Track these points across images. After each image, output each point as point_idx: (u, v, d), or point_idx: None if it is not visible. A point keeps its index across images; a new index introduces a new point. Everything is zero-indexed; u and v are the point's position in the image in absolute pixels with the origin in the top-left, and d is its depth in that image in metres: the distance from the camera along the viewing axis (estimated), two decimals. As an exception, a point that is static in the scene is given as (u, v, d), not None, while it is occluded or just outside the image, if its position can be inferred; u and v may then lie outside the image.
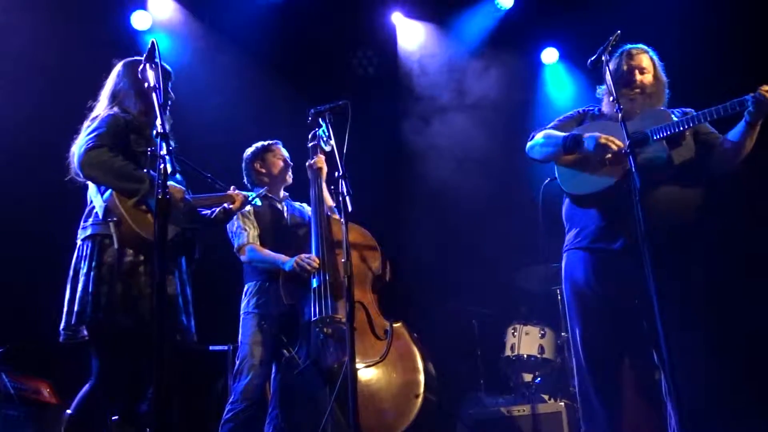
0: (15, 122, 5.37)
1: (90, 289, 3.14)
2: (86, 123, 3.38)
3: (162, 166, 2.53)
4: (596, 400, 3.38)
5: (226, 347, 5.23)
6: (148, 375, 3.09)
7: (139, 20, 6.21)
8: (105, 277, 3.16)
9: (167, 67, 3.54)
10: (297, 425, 3.87)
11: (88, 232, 3.26)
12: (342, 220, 3.45)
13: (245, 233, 4.24)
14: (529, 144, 3.67)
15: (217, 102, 5.98)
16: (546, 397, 5.30)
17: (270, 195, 4.40)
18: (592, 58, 3.31)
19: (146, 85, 2.90)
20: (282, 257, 4.14)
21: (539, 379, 5.57)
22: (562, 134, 3.51)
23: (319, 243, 4.11)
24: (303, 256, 4.05)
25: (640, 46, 3.59)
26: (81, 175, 3.26)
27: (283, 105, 6.01)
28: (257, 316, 4.16)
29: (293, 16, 6.35)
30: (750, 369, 4.79)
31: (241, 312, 4.25)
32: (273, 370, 4.16)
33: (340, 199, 3.44)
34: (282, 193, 4.53)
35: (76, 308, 3.14)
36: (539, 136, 3.63)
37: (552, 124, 3.69)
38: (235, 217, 4.05)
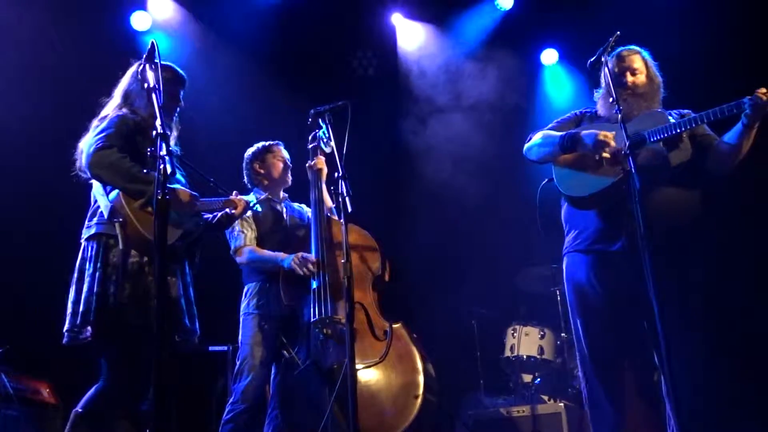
0: (15, 122, 5.37)
1: (95, 290, 3.14)
2: (95, 122, 3.40)
3: (161, 166, 2.54)
4: (605, 401, 3.37)
5: (225, 348, 5.22)
6: (149, 374, 3.09)
7: (138, 21, 6.21)
8: (111, 277, 3.17)
9: (182, 73, 3.55)
10: (297, 426, 3.87)
11: (93, 231, 3.27)
12: (342, 221, 3.45)
13: (243, 235, 4.24)
14: (526, 145, 3.67)
15: (216, 102, 5.97)
16: (545, 397, 5.31)
17: (269, 196, 4.40)
18: (592, 60, 3.31)
19: (146, 85, 2.91)
20: (281, 255, 4.15)
21: (539, 379, 5.57)
22: (560, 134, 3.52)
23: (318, 244, 4.11)
24: (302, 254, 4.06)
25: (632, 47, 3.58)
26: (88, 173, 3.28)
27: (283, 105, 6.01)
28: (257, 316, 4.16)
29: (293, 17, 6.35)
30: (749, 369, 4.79)
31: (241, 313, 4.25)
32: (273, 371, 4.17)
33: (340, 200, 3.44)
34: (281, 194, 4.53)
35: (81, 308, 3.14)
36: (537, 137, 3.63)
37: (549, 125, 3.70)
38: (234, 219, 4.06)
